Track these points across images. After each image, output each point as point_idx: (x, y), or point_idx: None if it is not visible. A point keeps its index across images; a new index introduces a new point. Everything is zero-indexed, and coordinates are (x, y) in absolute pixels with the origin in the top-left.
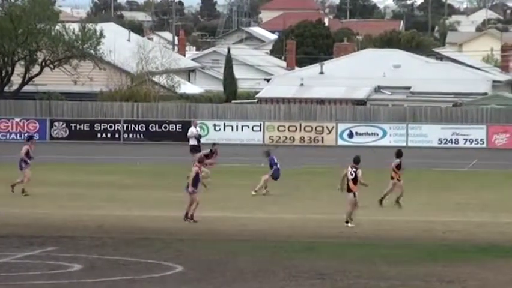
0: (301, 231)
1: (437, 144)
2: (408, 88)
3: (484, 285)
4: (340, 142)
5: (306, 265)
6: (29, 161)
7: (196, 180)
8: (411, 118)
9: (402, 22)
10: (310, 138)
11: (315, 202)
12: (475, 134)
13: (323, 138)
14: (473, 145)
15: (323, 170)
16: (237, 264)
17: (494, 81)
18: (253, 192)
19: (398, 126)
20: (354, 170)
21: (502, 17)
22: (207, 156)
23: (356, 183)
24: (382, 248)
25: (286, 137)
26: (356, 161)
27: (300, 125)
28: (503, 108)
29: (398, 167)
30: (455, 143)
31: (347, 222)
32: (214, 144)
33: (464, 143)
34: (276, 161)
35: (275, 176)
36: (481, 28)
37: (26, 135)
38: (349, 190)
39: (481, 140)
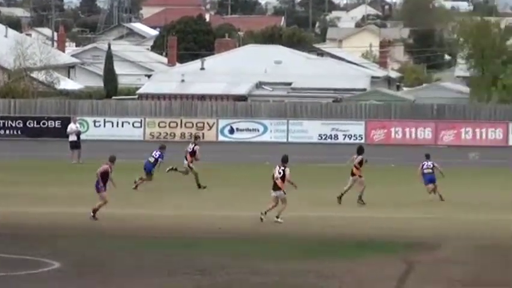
0: (182, 227)
1: (317, 140)
2: (289, 84)
3: (360, 280)
4: (221, 138)
5: (186, 261)
6: None
7: (105, 179)
8: (292, 114)
9: (283, 18)
10: (191, 134)
11: (196, 198)
12: (354, 129)
13: (203, 134)
14: (352, 141)
15: (204, 166)
16: (116, 261)
17: (373, 77)
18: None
19: (279, 122)
20: (283, 168)
21: (380, 13)
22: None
23: (284, 181)
24: (262, 244)
25: (167, 133)
26: (284, 160)
27: (181, 121)
28: (381, 104)
29: (360, 163)
30: (334, 138)
31: (277, 217)
32: (196, 137)
33: (344, 139)
34: (155, 155)
35: (144, 167)
36: (361, 24)
37: None
38: (277, 188)
39: (359, 135)
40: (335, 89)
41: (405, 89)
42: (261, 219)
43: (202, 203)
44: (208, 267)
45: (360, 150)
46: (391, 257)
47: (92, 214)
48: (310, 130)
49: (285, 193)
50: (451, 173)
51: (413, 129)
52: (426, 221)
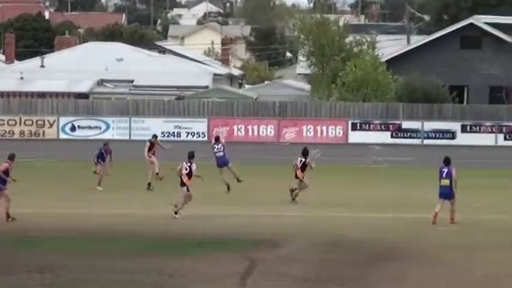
0: (25, 226)
1: (160, 138)
2: (131, 81)
3: (203, 278)
4: (62, 136)
5: (26, 259)
6: None
7: (6, 176)
8: (134, 111)
9: (124, 15)
10: (31, 131)
11: (36, 196)
12: (197, 127)
13: (44, 131)
14: (195, 138)
15: (44, 164)
16: None
17: (215, 75)
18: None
19: (121, 120)
20: (189, 164)
21: (222, 11)
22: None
23: (191, 177)
24: (105, 242)
25: (6, 131)
26: (190, 156)
27: (20, 119)
28: (224, 102)
29: (303, 166)
30: (177, 136)
31: (175, 213)
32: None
33: (187, 136)
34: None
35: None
36: (202, 21)
37: None
38: (183, 184)
39: (202, 133)
40: (177, 87)
41: (247, 86)
42: (174, 217)
43: (44, 202)
44: (50, 266)
45: (305, 152)
46: (235, 254)
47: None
48: (152, 127)
49: (188, 190)
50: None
51: (256, 127)
52: (271, 219)
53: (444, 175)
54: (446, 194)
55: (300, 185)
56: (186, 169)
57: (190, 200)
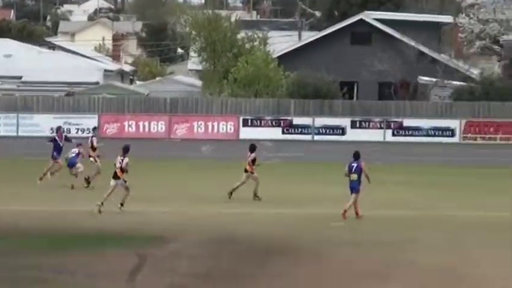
0: None
1: (49, 134)
2: (20, 78)
3: (93, 274)
4: None
5: None
6: None
7: None
8: (22, 108)
9: (13, 11)
10: None
11: None
12: (87, 123)
13: None
14: (85, 134)
15: None
16: None
17: (106, 71)
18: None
19: (9, 116)
20: (122, 158)
21: (113, 6)
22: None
23: (123, 171)
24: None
25: None
26: (125, 150)
27: None
28: (115, 98)
29: (253, 161)
30: (67, 132)
31: (121, 204)
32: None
33: (77, 132)
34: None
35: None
36: (93, 17)
37: None
38: (117, 177)
39: (89, 129)
40: (67, 83)
41: (138, 82)
42: (99, 210)
43: None
44: None
45: (252, 148)
46: (126, 250)
47: None
48: (42, 124)
49: (125, 181)
50: (186, 166)
51: (147, 123)
52: (162, 215)
53: (353, 170)
54: (354, 188)
55: (248, 178)
56: (120, 162)
57: (128, 192)
